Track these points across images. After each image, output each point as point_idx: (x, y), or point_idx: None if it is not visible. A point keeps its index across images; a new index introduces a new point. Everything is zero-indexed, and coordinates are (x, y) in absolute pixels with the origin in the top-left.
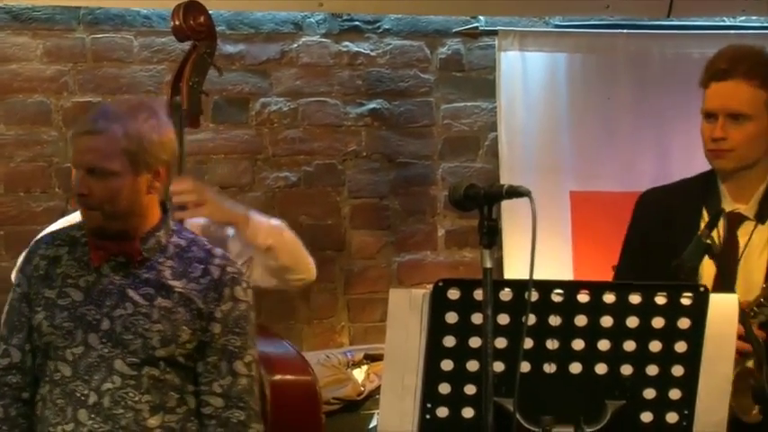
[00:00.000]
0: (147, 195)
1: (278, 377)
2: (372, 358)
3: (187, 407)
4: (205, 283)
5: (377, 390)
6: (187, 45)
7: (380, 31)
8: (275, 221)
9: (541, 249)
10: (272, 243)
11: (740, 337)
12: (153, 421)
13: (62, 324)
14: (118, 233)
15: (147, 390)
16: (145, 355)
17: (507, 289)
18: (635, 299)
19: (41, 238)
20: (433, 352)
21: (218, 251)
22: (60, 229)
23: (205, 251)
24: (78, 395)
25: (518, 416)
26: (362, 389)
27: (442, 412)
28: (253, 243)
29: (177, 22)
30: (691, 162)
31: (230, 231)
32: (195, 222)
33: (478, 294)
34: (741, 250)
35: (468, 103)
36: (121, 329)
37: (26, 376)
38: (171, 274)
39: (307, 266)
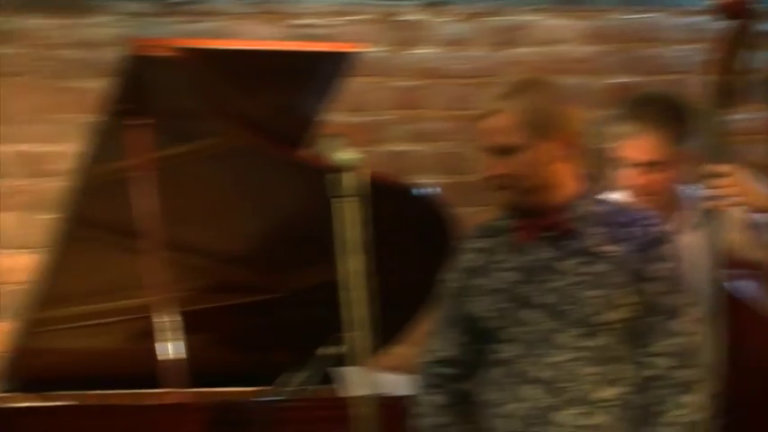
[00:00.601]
0: (557, 165)
1: None
2: None
3: (631, 375)
4: (636, 245)
5: None
6: (723, 24)
7: None
8: None
9: None
10: None
11: None
12: (600, 393)
13: (499, 307)
14: (536, 207)
15: (591, 360)
16: (585, 324)
17: None
18: None
19: (468, 232)
20: None
21: (645, 213)
22: (483, 222)
23: (631, 215)
24: (522, 373)
25: None
26: None
27: None
28: None
29: (726, 0)
30: None
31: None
32: (734, 210)
33: None
34: None
35: None
36: (559, 302)
37: (462, 369)
38: (599, 240)
39: None
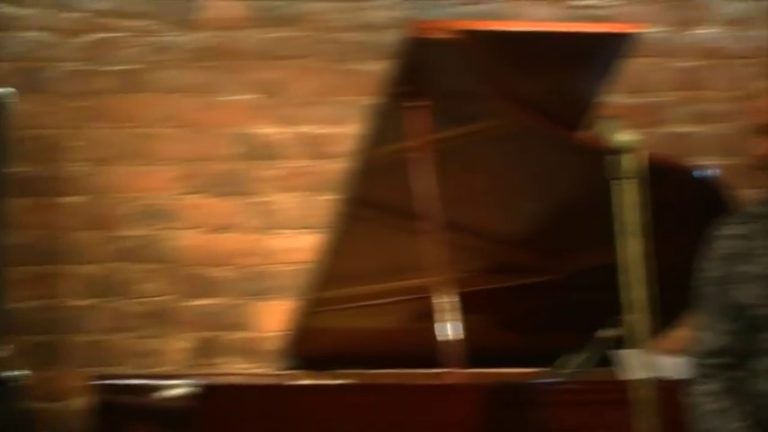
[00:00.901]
0: None
1: None
2: None
3: None
4: None
5: None
6: None
7: None
8: None
9: None
10: None
11: None
12: None
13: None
14: None
15: None
16: None
17: None
18: None
19: (722, 220)
20: None
21: None
22: (739, 208)
23: None
24: None
25: None
26: None
27: None
28: None
29: None
30: None
31: None
32: None
33: None
34: None
35: None
36: None
37: (734, 357)
38: None
39: None
